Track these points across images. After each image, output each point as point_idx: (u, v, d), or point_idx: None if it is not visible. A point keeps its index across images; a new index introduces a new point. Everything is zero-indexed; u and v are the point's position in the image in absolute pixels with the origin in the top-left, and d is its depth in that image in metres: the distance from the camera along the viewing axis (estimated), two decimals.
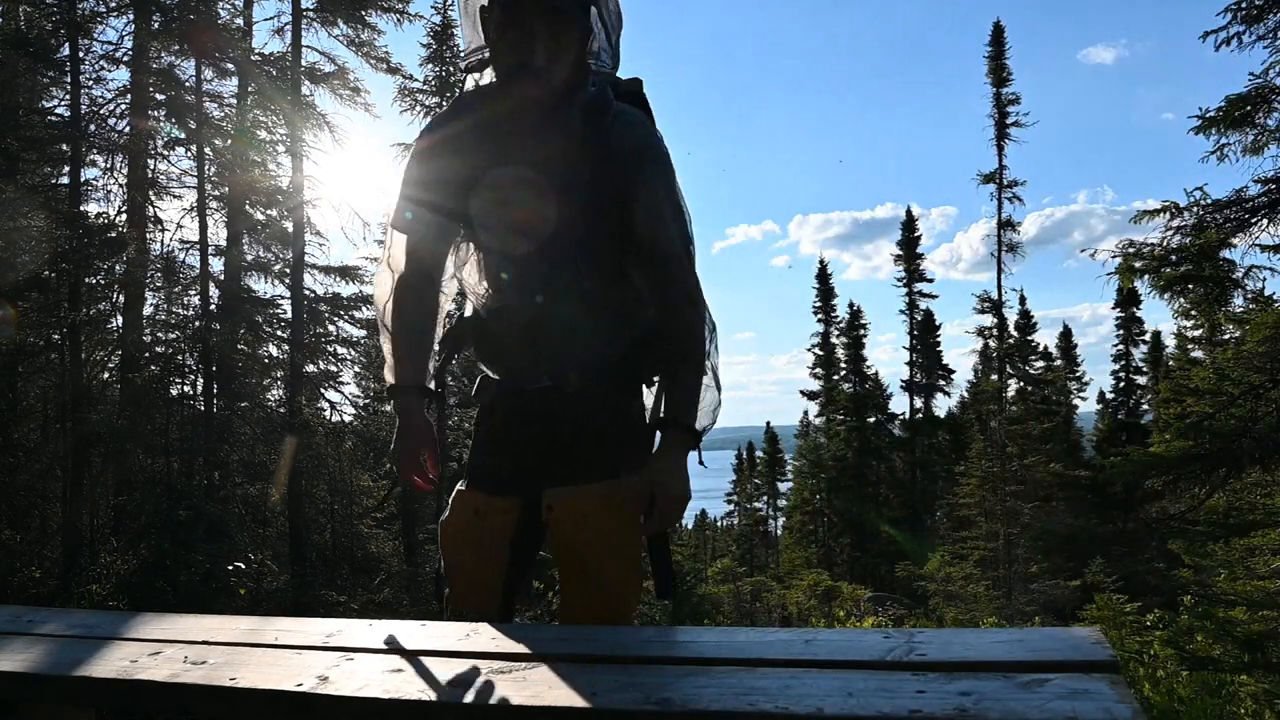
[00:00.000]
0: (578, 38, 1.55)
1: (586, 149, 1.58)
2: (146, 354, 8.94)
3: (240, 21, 10.35)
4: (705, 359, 1.66)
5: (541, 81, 1.52)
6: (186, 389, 9.40)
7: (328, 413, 10.60)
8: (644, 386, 1.77)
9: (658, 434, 1.65)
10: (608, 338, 1.68)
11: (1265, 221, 5.35)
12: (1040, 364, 27.27)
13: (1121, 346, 28.67)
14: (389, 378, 1.75)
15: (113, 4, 8.73)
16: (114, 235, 8.40)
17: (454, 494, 1.76)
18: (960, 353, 55.43)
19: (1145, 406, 27.72)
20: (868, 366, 31.69)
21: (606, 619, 1.62)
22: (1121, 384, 28.52)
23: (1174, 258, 5.46)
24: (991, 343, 24.79)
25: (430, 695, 1.10)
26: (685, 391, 1.62)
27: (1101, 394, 29.22)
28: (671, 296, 1.64)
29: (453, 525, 1.72)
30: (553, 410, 1.68)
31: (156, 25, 8.94)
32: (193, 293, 9.60)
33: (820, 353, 32.20)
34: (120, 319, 9.06)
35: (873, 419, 31.17)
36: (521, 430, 1.72)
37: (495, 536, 1.69)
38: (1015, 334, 25.36)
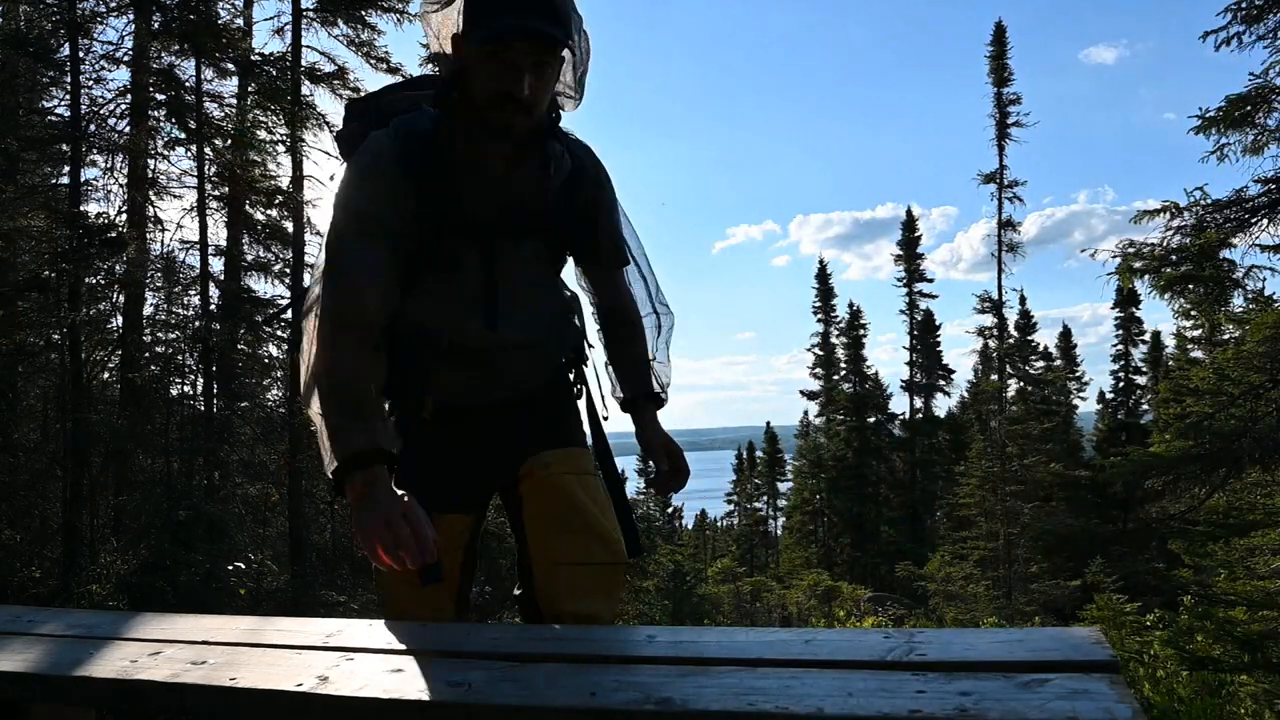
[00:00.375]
0: (559, 69, 1.55)
1: (559, 170, 1.65)
2: (146, 354, 8.94)
3: (240, 21, 10.36)
4: (657, 338, 1.96)
5: (526, 114, 1.50)
6: (186, 389, 9.41)
7: None
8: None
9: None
10: (571, 337, 1.87)
11: (1265, 221, 5.36)
12: (1040, 364, 27.30)
13: (1121, 346, 28.68)
14: (349, 445, 1.42)
15: (113, 4, 8.73)
16: (114, 235, 8.40)
17: None
18: (960, 353, 55.56)
19: (1145, 406, 27.73)
20: (868, 366, 31.74)
21: (613, 572, 1.71)
22: (1121, 384, 28.53)
23: (1174, 258, 5.46)
24: (991, 343, 24.84)
25: (430, 695, 1.10)
26: (647, 368, 1.91)
27: (1101, 394, 29.24)
28: (628, 293, 1.91)
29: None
30: (528, 400, 1.78)
31: (156, 25, 8.94)
32: (193, 293, 9.60)
33: (820, 353, 32.23)
34: (120, 319, 9.06)
35: (873, 419, 31.19)
36: (497, 422, 1.75)
37: (448, 555, 1.69)
38: (1015, 334, 25.38)
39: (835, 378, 31.82)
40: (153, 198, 9.16)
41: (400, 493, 1.41)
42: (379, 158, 1.56)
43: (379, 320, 1.55)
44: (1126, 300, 27.56)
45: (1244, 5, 5.48)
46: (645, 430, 1.86)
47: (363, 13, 10.33)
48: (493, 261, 1.64)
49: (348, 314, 1.52)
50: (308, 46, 10.18)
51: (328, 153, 10.35)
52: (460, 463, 1.73)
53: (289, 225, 10.30)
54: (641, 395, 1.88)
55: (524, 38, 1.44)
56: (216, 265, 9.86)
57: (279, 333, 10.12)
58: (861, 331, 32.05)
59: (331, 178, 1.71)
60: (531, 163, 1.62)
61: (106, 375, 8.97)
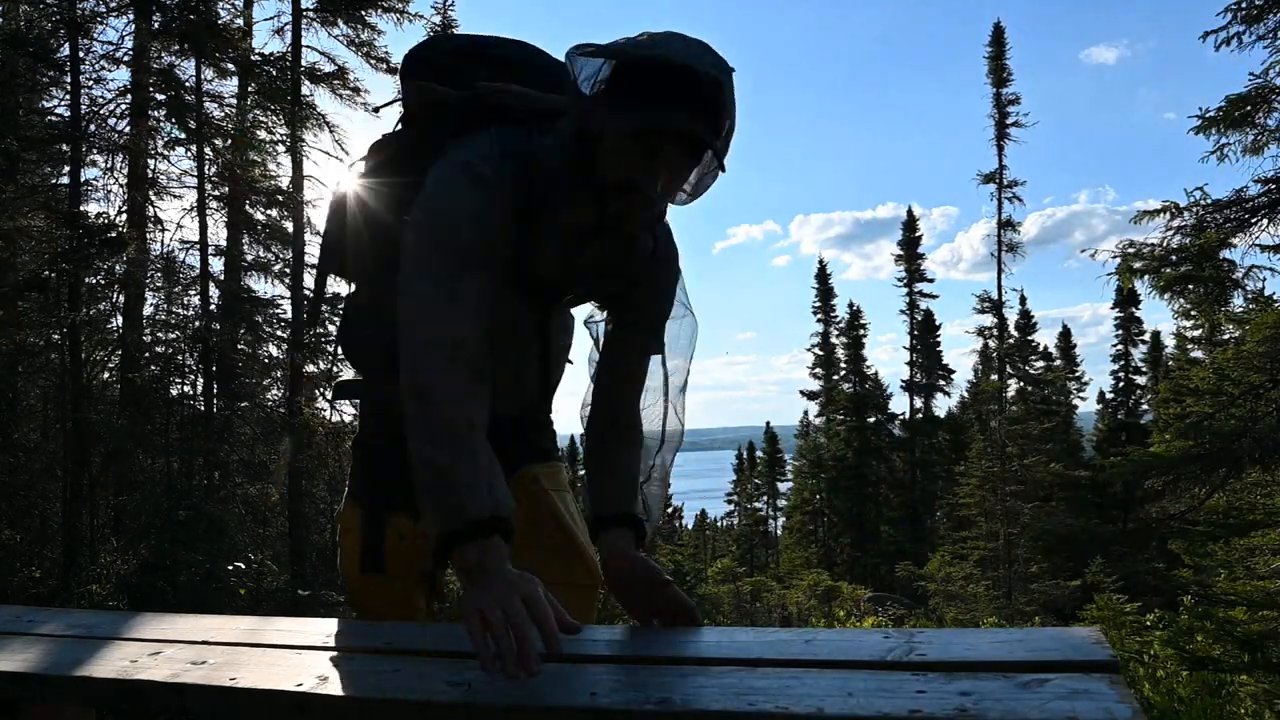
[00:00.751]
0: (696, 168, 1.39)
1: (637, 259, 1.54)
2: (146, 354, 8.94)
3: (240, 21, 10.36)
4: (656, 452, 1.66)
5: (649, 209, 1.39)
6: (186, 389, 9.41)
7: (327, 413, 10.60)
8: None
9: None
10: (566, 356, 1.77)
11: (1265, 221, 5.36)
12: (1040, 364, 27.30)
13: (1121, 346, 28.69)
14: (463, 509, 1.18)
15: (113, 4, 8.73)
16: (114, 235, 8.40)
17: (346, 516, 1.68)
18: (960, 353, 55.46)
19: (1145, 406, 27.73)
20: (868, 366, 31.76)
21: (593, 594, 1.69)
22: (1121, 384, 28.54)
23: (1174, 258, 5.47)
24: (991, 343, 24.85)
25: (430, 695, 1.10)
26: (636, 486, 1.58)
27: (1101, 394, 29.25)
28: (639, 391, 1.65)
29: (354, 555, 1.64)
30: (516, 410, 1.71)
31: (156, 25, 8.94)
32: (193, 293, 9.60)
33: (820, 353, 32.25)
34: (120, 319, 9.06)
35: (873, 419, 31.21)
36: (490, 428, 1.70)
37: (424, 557, 1.67)
38: (1015, 334, 25.40)
39: (835, 378, 31.84)
40: (153, 198, 9.17)
41: (521, 573, 1.17)
42: (496, 177, 1.36)
43: (484, 353, 1.32)
44: (1126, 300, 27.57)
45: (1244, 5, 5.48)
46: (624, 562, 1.45)
47: (363, 13, 10.34)
48: (541, 322, 1.56)
49: (455, 343, 1.27)
50: (308, 46, 10.19)
51: (328, 153, 10.38)
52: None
53: (289, 225, 10.31)
54: (630, 518, 1.51)
55: (680, 139, 1.28)
56: (216, 265, 9.87)
57: (279, 333, 10.13)
58: (861, 331, 32.08)
59: (379, 109, 1.60)
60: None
61: (106, 375, 8.97)
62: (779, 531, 37.90)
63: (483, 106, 1.45)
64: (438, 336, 1.26)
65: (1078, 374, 29.59)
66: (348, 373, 1.89)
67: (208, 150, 9.44)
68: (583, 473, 1.81)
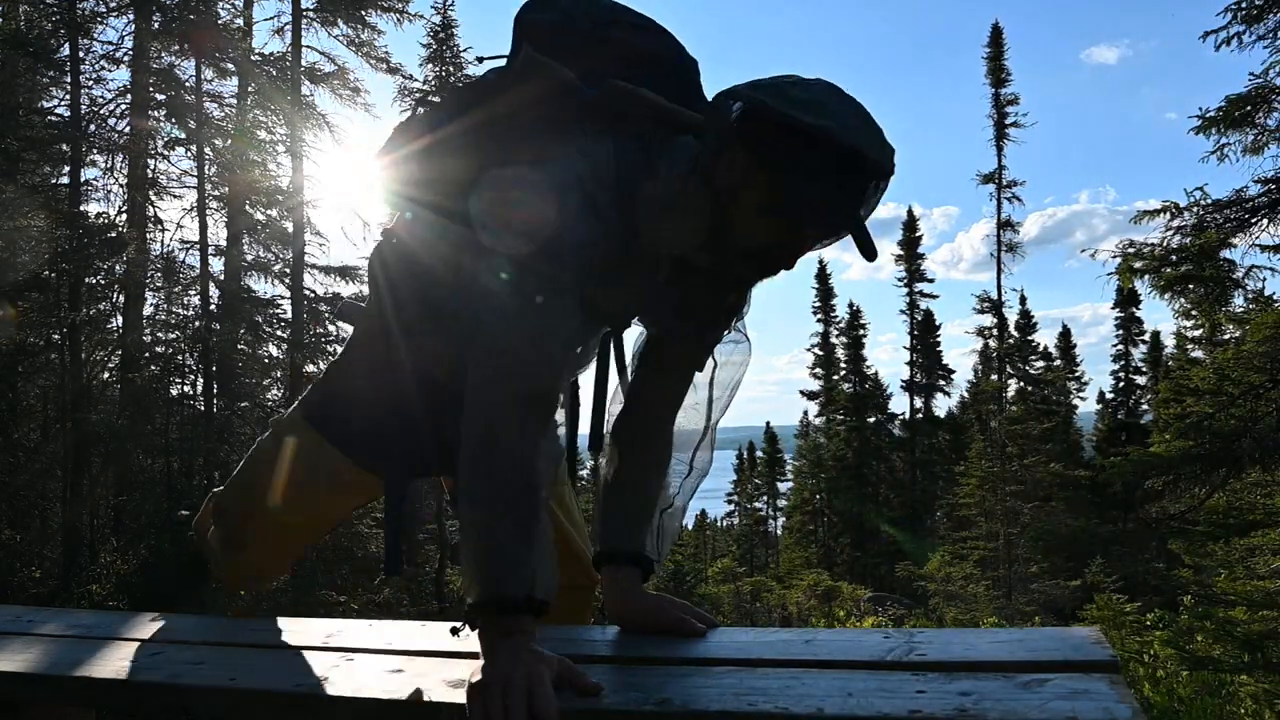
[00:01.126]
0: None
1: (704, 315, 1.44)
2: (146, 354, 8.95)
3: (240, 21, 10.36)
4: (684, 478, 1.56)
5: (765, 277, 1.29)
6: (186, 389, 9.41)
7: None
8: None
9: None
10: None
11: (1265, 221, 5.36)
12: (1040, 364, 27.27)
13: (1121, 346, 28.68)
14: (501, 584, 1.09)
15: (113, 4, 8.74)
16: (114, 235, 8.41)
17: (299, 435, 1.58)
18: (960, 353, 55.23)
19: (1145, 406, 27.72)
20: (868, 366, 31.71)
21: (590, 594, 1.65)
22: (1121, 384, 28.53)
23: (1174, 258, 5.46)
24: (991, 343, 24.80)
25: (430, 695, 1.10)
26: (652, 517, 1.49)
27: (1101, 394, 29.24)
28: (674, 414, 1.52)
29: (298, 478, 1.56)
30: None
31: (156, 25, 8.95)
32: (193, 293, 9.60)
33: (820, 353, 32.21)
34: (120, 319, 9.07)
35: (873, 419, 31.18)
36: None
37: (343, 509, 1.68)
38: (1015, 334, 25.36)
39: (835, 378, 31.81)
40: (153, 198, 9.17)
41: (539, 654, 1.07)
42: (606, 204, 1.22)
43: (558, 402, 1.22)
44: (1126, 300, 27.55)
45: (1244, 5, 5.48)
46: (633, 610, 1.37)
47: (363, 13, 10.34)
48: (601, 350, 1.46)
49: (538, 395, 1.16)
50: (308, 46, 10.19)
51: (328, 153, 10.37)
52: (434, 436, 1.48)
53: (289, 225, 10.31)
54: (638, 557, 1.42)
55: (816, 220, 1.17)
56: (216, 265, 9.87)
57: (279, 333, 10.13)
58: (861, 331, 32.04)
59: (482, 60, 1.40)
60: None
61: (106, 375, 8.97)
62: (779, 531, 37.88)
63: (608, 108, 1.29)
64: (520, 385, 1.14)
65: (1078, 374, 29.59)
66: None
67: (208, 150, 9.45)
68: (584, 472, 1.75)
